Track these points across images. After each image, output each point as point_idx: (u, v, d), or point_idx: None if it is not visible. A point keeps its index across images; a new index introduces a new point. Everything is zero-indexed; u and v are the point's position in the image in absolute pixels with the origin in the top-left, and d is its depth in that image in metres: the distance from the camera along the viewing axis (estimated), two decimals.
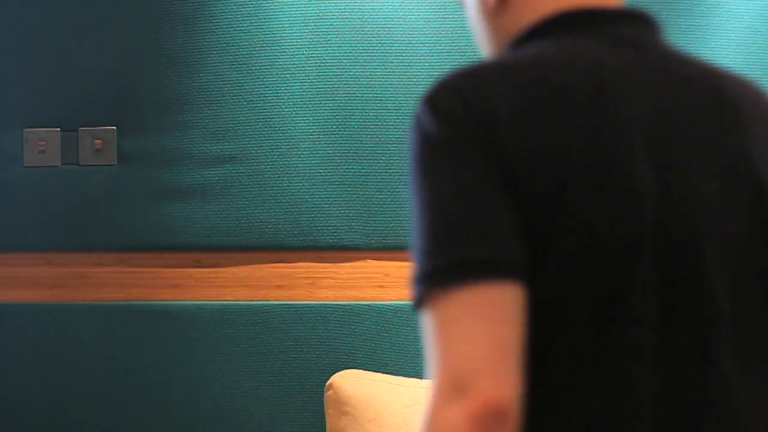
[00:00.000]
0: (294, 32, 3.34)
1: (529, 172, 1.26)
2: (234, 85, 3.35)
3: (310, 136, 3.35)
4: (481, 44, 1.50)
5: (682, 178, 1.33)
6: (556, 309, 1.26)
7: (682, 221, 1.31)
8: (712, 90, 1.39)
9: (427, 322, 1.25)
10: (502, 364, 1.21)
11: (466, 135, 1.27)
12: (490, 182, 1.25)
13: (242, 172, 3.35)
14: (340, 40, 3.35)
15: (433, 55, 3.35)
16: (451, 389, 1.21)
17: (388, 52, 3.35)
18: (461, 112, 1.28)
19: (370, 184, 3.35)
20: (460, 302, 1.21)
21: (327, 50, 3.35)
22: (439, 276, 1.23)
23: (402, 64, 3.35)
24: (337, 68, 3.35)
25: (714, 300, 1.31)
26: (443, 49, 3.34)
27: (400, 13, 3.34)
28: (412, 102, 3.33)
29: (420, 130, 1.30)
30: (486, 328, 1.21)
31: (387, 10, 3.35)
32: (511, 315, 1.22)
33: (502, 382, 1.21)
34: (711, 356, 1.29)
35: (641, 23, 1.40)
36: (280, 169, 3.35)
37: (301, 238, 3.35)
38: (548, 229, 1.26)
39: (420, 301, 1.26)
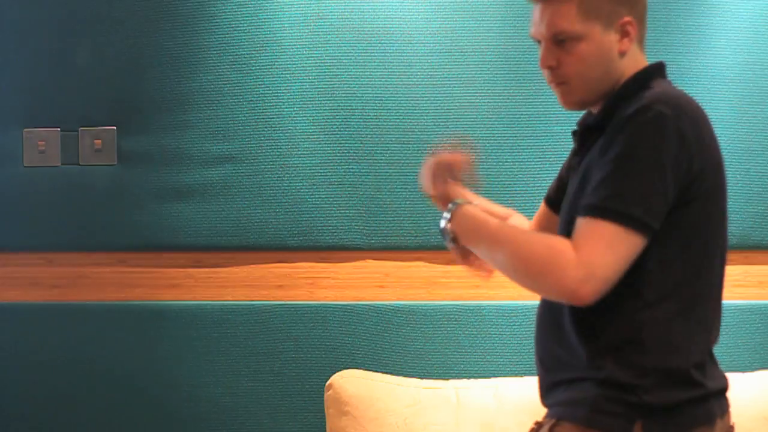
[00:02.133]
0: (294, 32, 3.34)
1: (703, 174, 2.07)
2: (234, 85, 3.35)
3: (310, 136, 3.35)
4: (586, 77, 2.15)
5: None
6: (704, 237, 2.11)
7: None
8: None
9: (597, 230, 1.99)
10: (613, 280, 1.99)
11: (679, 139, 2.03)
12: (675, 173, 2.01)
13: (242, 172, 3.35)
14: (340, 40, 3.35)
15: (433, 55, 3.35)
16: (583, 273, 1.96)
17: (388, 52, 3.35)
18: (680, 125, 2.03)
19: (370, 184, 3.35)
20: (624, 237, 1.99)
21: (327, 50, 3.35)
22: (624, 217, 1.99)
23: (402, 64, 3.35)
24: (337, 68, 3.35)
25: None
26: (443, 49, 3.34)
27: (400, 13, 3.34)
28: (412, 102, 3.34)
29: (651, 129, 2.02)
30: (624, 257, 1.99)
31: (387, 10, 3.35)
32: (635, 256, 2.01)
33: (605, 290, 1.98)
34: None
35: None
36: (280, 169, 3.35)
37: (301, 238, 3.35)
38: (708, 210, 2.10)
39: (601, 216, 1.98)
